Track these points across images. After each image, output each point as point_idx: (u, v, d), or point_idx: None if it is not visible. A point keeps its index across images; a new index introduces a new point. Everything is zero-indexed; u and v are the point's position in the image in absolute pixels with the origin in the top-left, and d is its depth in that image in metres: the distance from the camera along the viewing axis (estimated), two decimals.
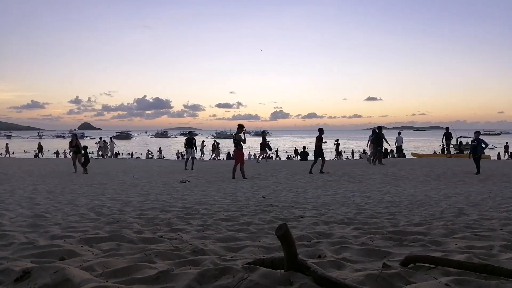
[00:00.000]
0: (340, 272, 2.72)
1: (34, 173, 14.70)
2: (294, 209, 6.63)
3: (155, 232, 4.56)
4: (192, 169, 16.45)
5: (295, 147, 42.17)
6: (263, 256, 3.09)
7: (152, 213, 6.04)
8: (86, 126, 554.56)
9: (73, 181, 12.18)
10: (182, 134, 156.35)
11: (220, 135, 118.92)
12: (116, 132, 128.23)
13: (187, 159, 17.09)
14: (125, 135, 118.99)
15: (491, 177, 13.30)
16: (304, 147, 27.44)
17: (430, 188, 10.98)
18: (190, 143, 16.88)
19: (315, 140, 15.00)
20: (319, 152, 14.91)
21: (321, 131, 14.91)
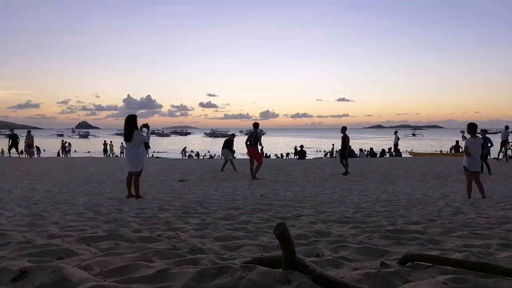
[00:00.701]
0: (338, 271, 2.73)
1: (31, 172, 14.65)
2: (292, 208, 6.63)
3: (153, 231, 4.55)
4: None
5: (296, 146, 42.06)
6: (261, 255, 3.10)
7: (150, 212, 6.03)
8: (84, 125, 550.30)
9: (71, 180, 12.14)
10: (173, 133, 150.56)
11: (218, 134, 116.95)
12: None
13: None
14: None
15: (489, 176, 13.34)
16: (302, 146, 27.43)
17: (428, 187, 11.01)
18: None
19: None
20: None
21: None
